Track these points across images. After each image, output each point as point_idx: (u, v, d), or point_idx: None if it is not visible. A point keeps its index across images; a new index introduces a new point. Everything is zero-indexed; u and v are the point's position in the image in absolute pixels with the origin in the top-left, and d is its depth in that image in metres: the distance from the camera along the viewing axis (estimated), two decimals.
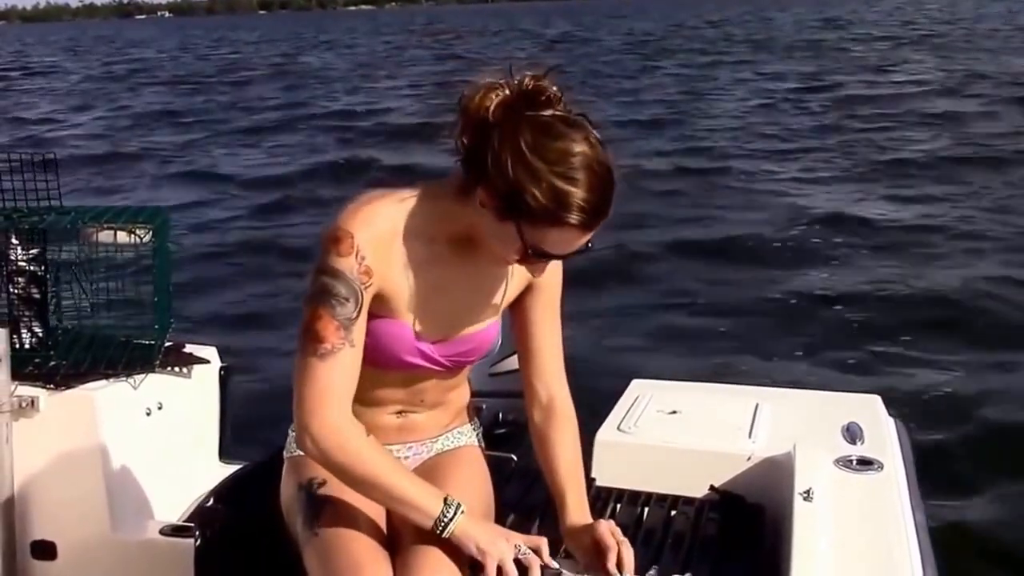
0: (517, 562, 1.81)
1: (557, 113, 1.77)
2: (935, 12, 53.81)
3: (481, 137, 1.77)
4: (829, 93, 20.39)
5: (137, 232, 2.83)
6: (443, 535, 1.82)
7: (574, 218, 1.72)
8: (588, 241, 1.80)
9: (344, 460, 1.84)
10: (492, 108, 1.76)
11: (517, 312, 2.10)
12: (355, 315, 1.83)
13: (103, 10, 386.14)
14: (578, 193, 1.71)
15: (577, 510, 2.00)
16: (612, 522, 1.93)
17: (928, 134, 15.16)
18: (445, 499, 1.84)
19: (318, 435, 1.83)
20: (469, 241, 1.91)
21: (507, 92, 1.78)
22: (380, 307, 1.90)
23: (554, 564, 1.86)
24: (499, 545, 1.81)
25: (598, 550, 1.89)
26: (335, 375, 1.83)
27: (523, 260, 1.84)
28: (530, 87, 1.78)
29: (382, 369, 1.97)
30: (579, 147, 1.73)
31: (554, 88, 1.79)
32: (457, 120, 1.82)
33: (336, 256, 1.82)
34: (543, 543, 1.86)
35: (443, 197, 1.89)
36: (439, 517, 1.82)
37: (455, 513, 1.82)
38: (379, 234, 1.85)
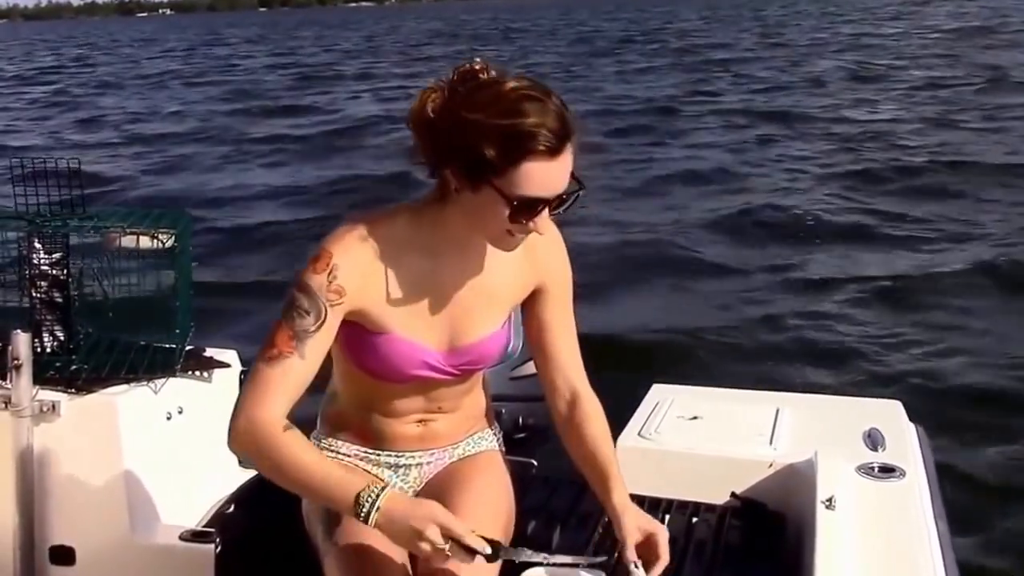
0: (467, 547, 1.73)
1: (484, 77, 1.82)
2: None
3: (431, 136, 1.81)
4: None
5: (159, 237, 2.83)
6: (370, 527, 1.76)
7: (535, 144, 1.72)
8: (577, 183, 1.80)
9: (258, 451, 1.82)
10: (432, 109, 1.81)
11: (530, 315, 2.10)
12: (312, 329, 1.84)
13: (104, 8, 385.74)
14: (526, 121, 1.72)
15: (622, 493, 1.97)
16: (667, 534, 1.91)
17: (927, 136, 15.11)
18: (358, 496, 1.74)
19: (238, 427, 1.83)
20: (469, 248, 1.93)
21: (444, 93, 1.82)
22: (382, 326, 1.91)
23: (486, 548, 1.74)
24: (420, 545, 1.72)
25: (648, 546, 1.88)
26: (275, 379, 1.83)
27: (515, 219, 1.80)
28: (456, 78, 1.82)
29: (394, 383, 1.98)
30: (510, 84, 1.76)
31: (479, 65, 1.82)
32: (412, 134, 1.85)
33: (311, 272, 1.84)
34: (464, 533, 1.73)
35: (430, 209, 1.91)
36: (356, 511, 1.75)
37: (370, 510, 1.73)
38: (365, 256, 1.86)
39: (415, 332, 1.93)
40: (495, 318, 2.01)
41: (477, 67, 1.82)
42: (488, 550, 1.76)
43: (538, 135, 1.72)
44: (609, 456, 2.02)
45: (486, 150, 1.73)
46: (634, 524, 1.92)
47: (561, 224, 1.99)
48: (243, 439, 1.84)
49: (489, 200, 1.78)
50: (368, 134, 18.51)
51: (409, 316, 1.92)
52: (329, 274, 1.83)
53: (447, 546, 1.72)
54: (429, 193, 1.92)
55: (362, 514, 1.74)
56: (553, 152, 1.74)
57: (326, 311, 1.84)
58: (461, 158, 1.77)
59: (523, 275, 2.02)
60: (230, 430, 1.86)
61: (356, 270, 1.85)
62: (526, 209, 1.78)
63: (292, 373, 1.84)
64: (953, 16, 45.39)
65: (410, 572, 1.89)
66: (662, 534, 1.90)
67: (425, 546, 1.72)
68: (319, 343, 1.85)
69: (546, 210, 1.80)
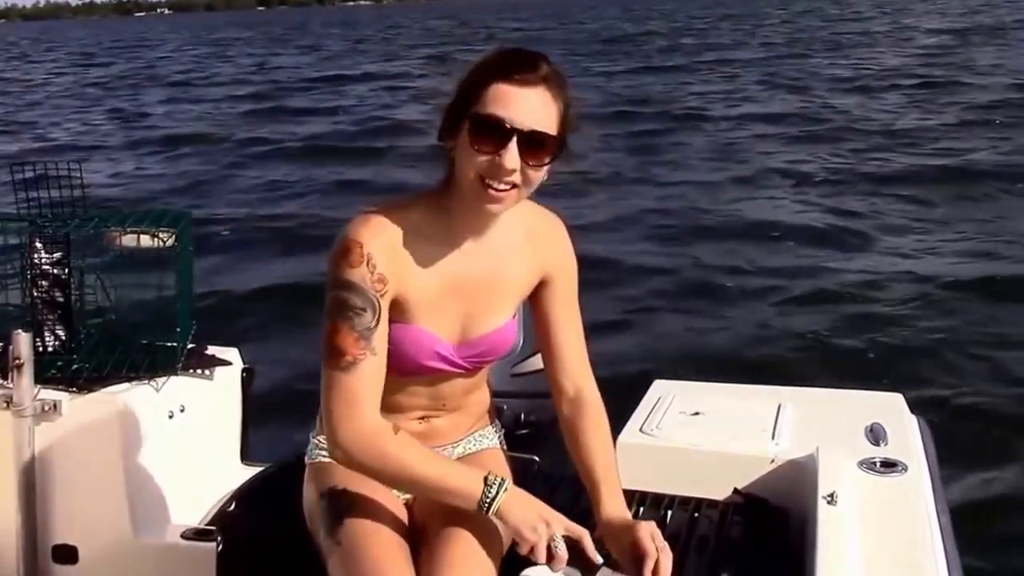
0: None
1: None
2: None
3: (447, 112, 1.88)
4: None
5: (160, 236, 2.83)
6: (489, 513, 1.83)
7: (502, 71, 1.78)
8: (560, 142, 1.82)
9: (376, 463, 1.86)
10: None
11: (536, 308, 2.10)
12: (374, 324, 1.84)
13: (102, 8, 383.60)
14: (493, 55, 1.81)
15: (614, 505, 1.99)
16: (654, 524, 1.91)
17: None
18: (486, 479, 1.83)
19: (347, 443, 1.85)
20: (479, 240, 1.94)
21: None
22: (398, 313, 1.91)
23: (599, 558, 1.84)
24: (538, 530, 1.81)
25: (636, 552, 1.87)
26: (359, 385, 1.84)
27: (477, 143, 1.79)
28: None
29: (403, 375, 1.97)
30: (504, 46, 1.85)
31: None
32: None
33: (348, 268, 1.83)
34: (585, 535, 1.84)
35: (439, 196, 1.93)
36: (481, 500, 1.82)
37: (497, 492, 1.82)
38: (391, 241, 1.87)
39: (430, 322, 1.94)
40: (505, 310, 2.02)
41: None
42: (600, 560, 1.83)
43: (509, 63, 1.79)
44: (605, 469, 2.03)
45: (465, 91, 1.80)
46: (616, 537, 1.92)
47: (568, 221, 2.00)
48: (355, 455, 1.86)
49: (464, 141, 1.81)
50: (372, 136, 18.49)
51: (425, 306, 1.93)
52: (368, 264, 1.84)
53: (560, 543, 1.79)
54: (441, 184, 1.93)
55: (489, 495, 1.82)
56: (522, 82, 1.78)
57: (378, 303, 1.85)
58: (450, 111, 1.83)
59: (530, 266, 2.03)
60: (334, 448, 1.87)
61: (387, 256, 1.86)
62: (487, 129, 1.78)
63: (371, 374, 1.86)
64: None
65: (412, 570, 1.89)
66: (643, 528, 1.89)
67: (543, 531, 1.79)
68: (382, 335, 1.87)
69: (514, 143, 1.78)
